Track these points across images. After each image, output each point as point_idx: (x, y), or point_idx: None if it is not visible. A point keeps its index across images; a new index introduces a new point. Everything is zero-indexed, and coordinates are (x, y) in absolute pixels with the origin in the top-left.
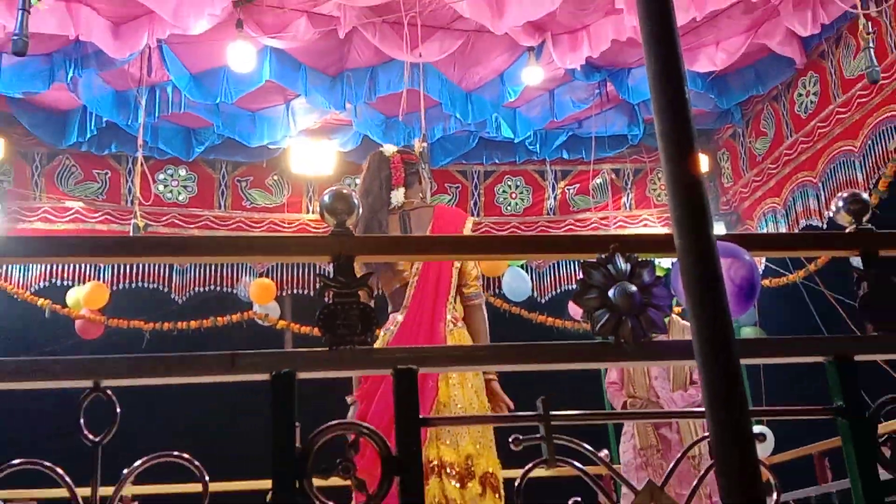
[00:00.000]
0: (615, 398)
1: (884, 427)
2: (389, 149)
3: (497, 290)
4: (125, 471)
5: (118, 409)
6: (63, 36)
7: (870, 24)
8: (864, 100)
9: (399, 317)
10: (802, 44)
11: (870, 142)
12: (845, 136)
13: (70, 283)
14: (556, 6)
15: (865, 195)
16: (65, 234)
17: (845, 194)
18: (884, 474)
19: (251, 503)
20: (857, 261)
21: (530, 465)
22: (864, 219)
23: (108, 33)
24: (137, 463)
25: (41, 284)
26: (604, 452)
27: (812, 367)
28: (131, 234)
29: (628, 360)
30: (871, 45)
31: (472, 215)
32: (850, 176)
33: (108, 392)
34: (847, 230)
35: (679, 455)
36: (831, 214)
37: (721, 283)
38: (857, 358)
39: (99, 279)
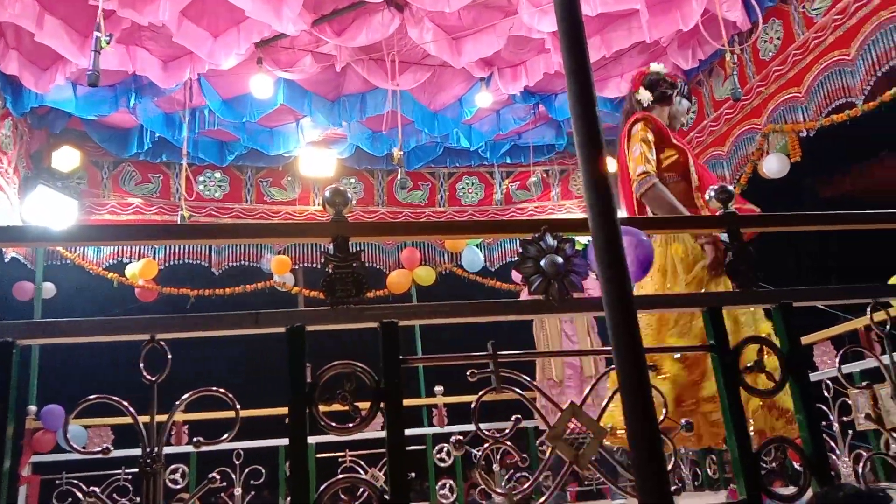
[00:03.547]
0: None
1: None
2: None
3: (458, 263)
4: (176, 402)
5: (169, 356)
6: (124, 71)
7: (735, 58)
8: (729, 116)
9: None
10: (685, 75)
11: (734, 148)
12: (716, 143)
13: (132, 260)
14: (501, 47)
15: (731, 187)
16: (128, 224)
17: (716, 187)
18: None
19: (275, 426)
20: (724, 236)
21: (483, 391)
22: (730, 205)
23: (158, 69)
24: (185, 396)
25: (110, 262)
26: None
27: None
28: (178, 222)
29: (555, 313)
30: (734, 74)
31: (440, 207)
32: (720, 173)
33: (162, 343)
34: (717, 214)
35: (596, 379)
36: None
37: (623, 254)
38: (725, 308)
39: (154, 258)
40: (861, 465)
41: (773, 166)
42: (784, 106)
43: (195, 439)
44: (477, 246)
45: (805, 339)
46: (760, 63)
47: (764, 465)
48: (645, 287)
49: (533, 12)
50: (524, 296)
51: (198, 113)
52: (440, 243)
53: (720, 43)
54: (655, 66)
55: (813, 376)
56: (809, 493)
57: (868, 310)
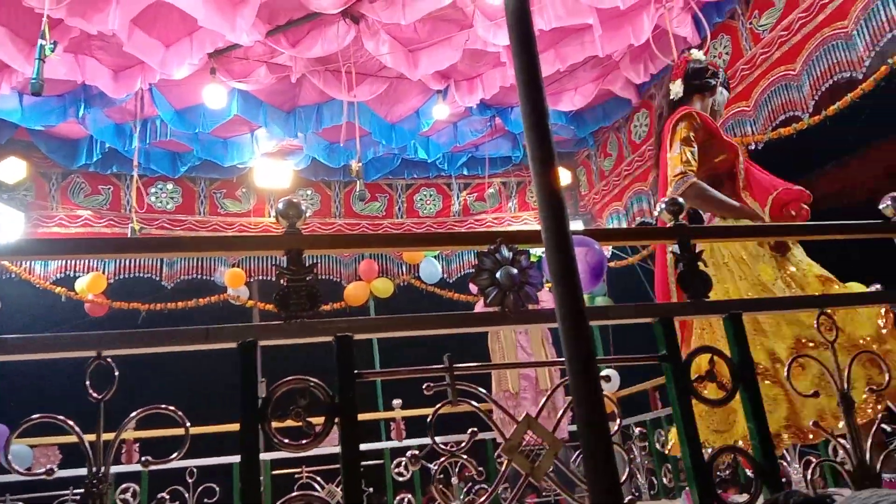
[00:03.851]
0: None
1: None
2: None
3: (416, 274)
4: (124, 421)
5: (116, 373)
6: (73, 81)
7: None
8: None
9: None
10: (637, 88)
11: None
12: None
13: (81, 274)
14: (457, 60)
15: (681, 200)
16: (76, 237)
17: (667, 199)
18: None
19: (230, 442)
20: (676, 247)
21: (439, 404)
22: (681, 217)
23: (108, 79)
24: (133, 414)
25: (58, 276)
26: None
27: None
28: (129, 235)
29: (511, 324)
30: None
31: (398, 218)
32: None
33: (109, 360)
34: (668, 226)
35: (550, 391)
36: (657, 213)
37: (575, 265)
38: (677, 319)
39: (104, 271)
40: (810, 471)
41: None
42: (733, 119)
43: (143, 458)
44: (435, 257)
45: None
46: None
47: (719, 473)
48: (736, 273)
49: (488, 26)
50: (479, 307)
51: (149, 123)
52: (398, 255)
53: (670, 58)
54: (697, 53)
55: None
56: (761, 500)
57: (815, 319)
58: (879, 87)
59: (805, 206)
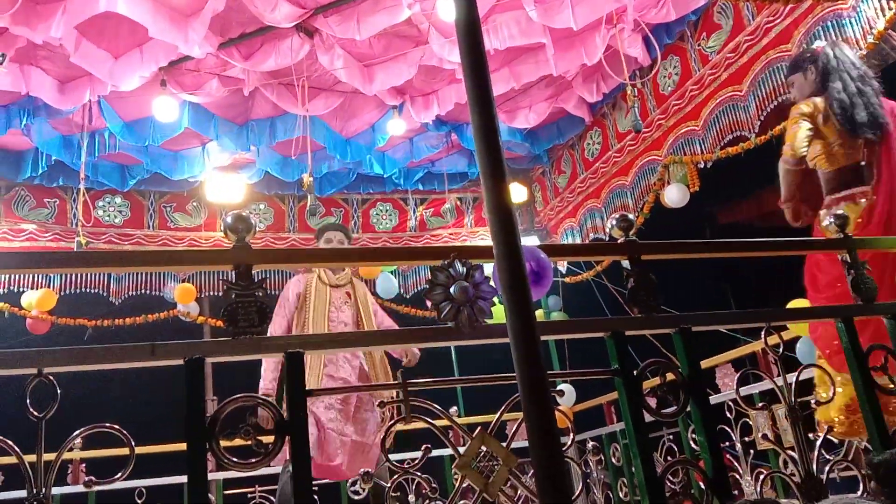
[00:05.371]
0: None
1: (648, 384)
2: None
3: (372, 290)
4: (65, 441)
5: (58, 391)
6: (17, 91)
7: (636, 91)
8: (632, 147)
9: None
10: (590, 107)
11: (637, 178)
12: (619, 173)
13: (24, 289)
14: (412, 76)
15: (632, 216)
16: (21, 251)
17: (617, 215)
18: (648, 417)
19: (181, 462)
20: (626, 263)
21: (392, 421)
22: (631, 233)
23: (54, 90)
24: (74, 433)
25: (1, 291)
26: (453, 409)
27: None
28: (75, 249)
29: (465, 340)
30: (635, 107)
31: (354, 233)
32: (624, 202)
33: (51, 377)
34: (619, 241)
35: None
36: (609, 230)
37: (526, 279)
38: (628, 333)
39: (49, 286)
40: (760, 483)
41: (674, 196)
42: (683, 138)
43: (86, 479)
44: (392, 273)
45: (708, 362)
46: (660, 97)
47: (672, 486)
48: None
49: (443, 43)
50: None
51: (97, 136)
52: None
53: (622, 77)
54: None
55: (716, 398)
56: None
57: (762, 333)
58: None
59: None
